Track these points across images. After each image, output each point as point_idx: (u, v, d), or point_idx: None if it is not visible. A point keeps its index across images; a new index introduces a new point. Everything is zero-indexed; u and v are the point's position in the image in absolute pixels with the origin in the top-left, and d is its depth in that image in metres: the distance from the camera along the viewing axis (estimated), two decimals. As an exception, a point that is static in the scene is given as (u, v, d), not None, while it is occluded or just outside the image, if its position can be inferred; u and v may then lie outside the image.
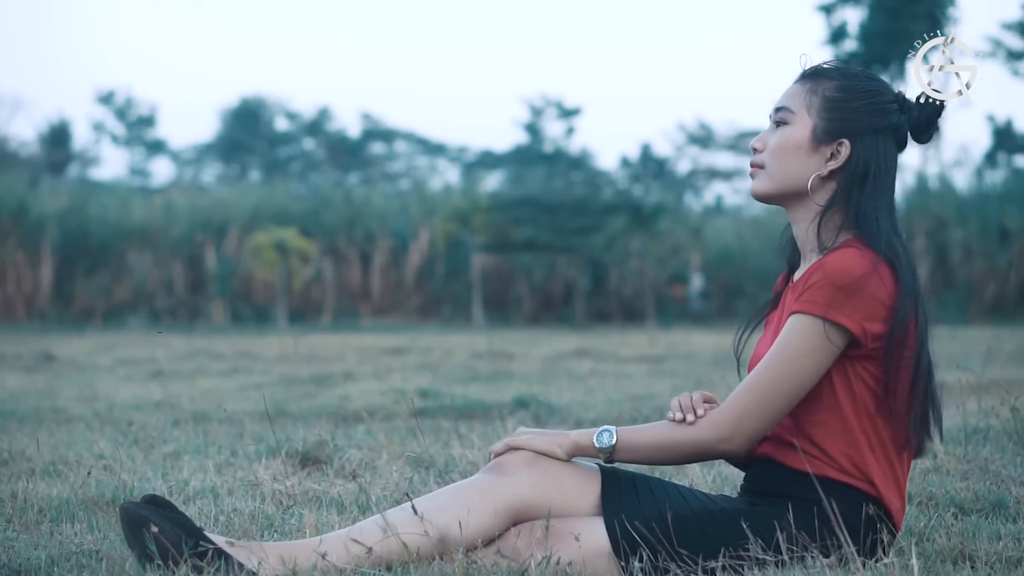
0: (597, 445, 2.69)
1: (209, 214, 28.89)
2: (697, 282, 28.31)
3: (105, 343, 15.99)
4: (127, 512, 2.63)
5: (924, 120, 2.71)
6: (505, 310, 28.55)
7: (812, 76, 2.73)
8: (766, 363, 2.63)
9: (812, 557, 2.58)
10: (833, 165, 2.68)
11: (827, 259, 2.61)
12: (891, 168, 2.69)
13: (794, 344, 2.60)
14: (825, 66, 2.74)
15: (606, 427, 2.70)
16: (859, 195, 2.66)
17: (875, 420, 2.63)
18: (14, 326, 24.60)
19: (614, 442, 2.68)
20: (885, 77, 31.62)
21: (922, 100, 2.71)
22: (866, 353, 2.61)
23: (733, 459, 2.75)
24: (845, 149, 2.67)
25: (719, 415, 2.64)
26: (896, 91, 2.73)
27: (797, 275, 2.77)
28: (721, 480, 3.83)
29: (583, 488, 2.72)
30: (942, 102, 2.71)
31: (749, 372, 2.78)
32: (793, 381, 2.60)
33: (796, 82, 2.75)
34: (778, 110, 2.73)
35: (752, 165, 2.76)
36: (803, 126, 2.69)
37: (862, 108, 2.68)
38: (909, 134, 2.72)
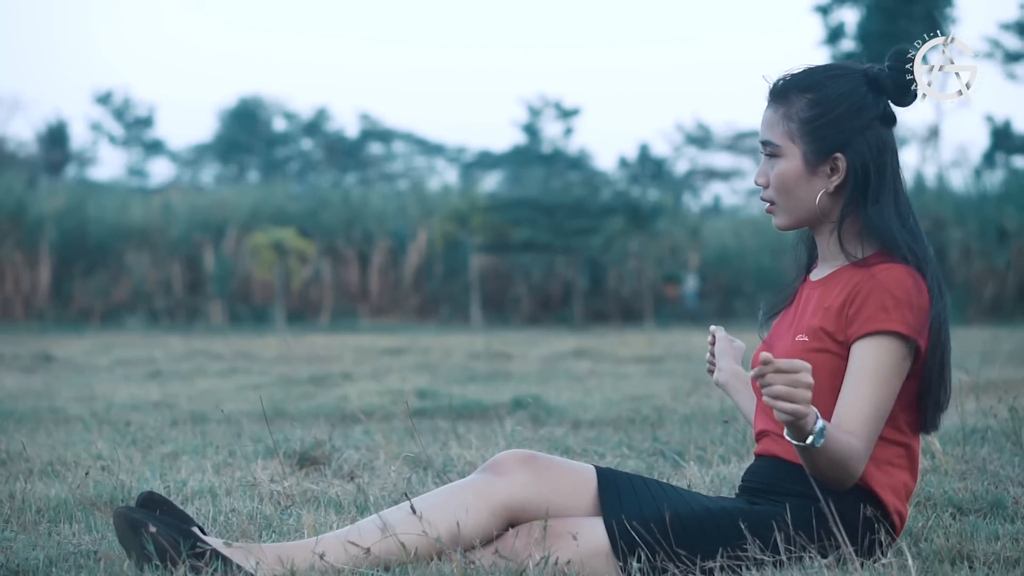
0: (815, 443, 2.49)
1: (207, 214, 28.89)
2: (692, 282, 28.31)
3: (103, 343, 15.98)
4: (122, 516, 2.62)
5: (901, 86, 2.69)
6: (503, 310, 28.55)
7: (780, 98, 2.71)
8: (870, 387, 2.56)
9: (810, 557, 2.58)
10: (837, 180, 2.68)
11: (880, 275, 2.60)
12: (888, 156, 2.68)
13: (890, 364, 2.58)
14: (787, 81, 2.71)
15: (825, 424, 2.50)
16: (865, 202, 2.66)
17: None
18: (12, 326, 24.59)
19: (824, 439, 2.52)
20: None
21: (888, 70, 2.69)
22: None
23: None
24: (842, 162, 2.67)
25: (853, 434, 2.54)
26: (862, 70, 2.70)
27: (816, 275, 2.78)
28: (719, 480, 3.83)
29: (579, 488, 2.72)
30: (909, 58, 2.68)
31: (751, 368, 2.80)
32: (892, 401, 2.61)
33: (767, 108, 2.73)
34: (764, 144, 2.73)
35: (765, 200, 2.76)
36: (793, 156, 2.69)
37: (840, 117, 2.66)
38: (893, 106, 2.71)
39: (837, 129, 2.66)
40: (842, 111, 2.66)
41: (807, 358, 2.63)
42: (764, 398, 2.40)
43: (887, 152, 2.68)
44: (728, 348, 3.10)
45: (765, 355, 2.39)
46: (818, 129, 2.66)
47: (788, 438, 2.48)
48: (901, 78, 2.68)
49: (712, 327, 3.13)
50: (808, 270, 2.84)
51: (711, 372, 3.13)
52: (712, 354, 3.13)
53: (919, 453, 2.72)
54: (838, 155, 2.67)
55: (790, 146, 2.69)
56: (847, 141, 2.66)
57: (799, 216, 2.73)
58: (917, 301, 2.59)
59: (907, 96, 2.69)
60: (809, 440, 2.46)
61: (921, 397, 2.66)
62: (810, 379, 2.39)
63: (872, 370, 2.57)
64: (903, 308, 2.58)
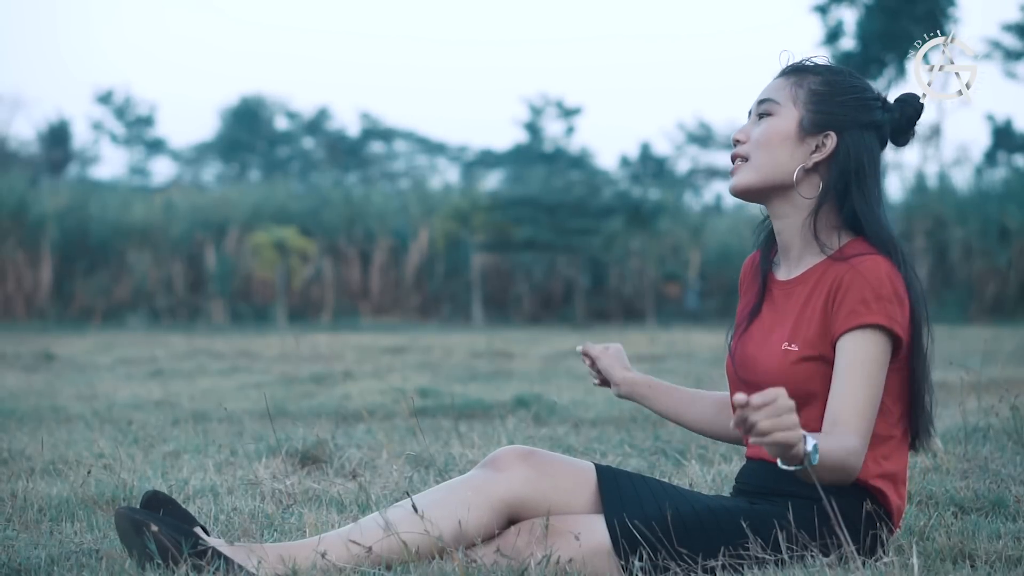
0: (811, 463, 2.41)
1: (209, 213, 28.88)
2: (693, 281, 28.31)
3: (105, 342, 15.97)
4: (124, 516, 2.63)
5: (904, 122, 2.73)
6: (505, 309, 28.54)
7: (796, 71, 2.74)
8: (859, 380, 2.56)
9: (812, 556, 2.58)
10: (818, 157, 2.69)
11: (860, 267, 2.60)
12: (878, 164, 2.71)
13: (875, 357, 2.57)
14: (808, 62, 2.75)
15: (816, 441, 2.42)
16: (854, 192, 2.66)
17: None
18: (14, 325, 24.60)
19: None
20: (883, 78, 31.69)
21: (899, 105, 2.72)
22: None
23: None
24: (831, 141, 2.68)
25: (849, 430, 2.53)
26: (877, 91, 2.74)
27: (784, 274, 2.77)
28: (721, 480, 3.84)
29: (578, 484, 2.73)
30: (921, 106, 2.72)
31: (732, 375, 2.79)
32: (879, 394, 2.59)
33: (779, 77, 2.75)
34: (762, 102, 2.73)
35: (734, 156, 2.75)
36: (789, 117, 2.69)
37: (848, 102, 2.68)
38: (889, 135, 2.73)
39: (841, 110, 2.68)
40: (851, 99, 2.69)
41: (798, 369, 2.63)
42: (752, 439, 2.31)
43: (876, 158, 2.70)
44: (609, 358, 3.05)
45: (739, 397, 2.28)
46: (823, 102, 2.68)
47: (783, 467, 2.41)
48: (906, 120, 2.72)
49: (579, 346, 3.07)
50: (765, 252, 2.84)
51: (601, 385, 3.09)
52: (595, 371, 3.07)
53: (908, 440, 2.72)
54: (831, 133, 2.68)
55: (789, 107, 2.70)
56: (845, 126, 2.68)
57: (767, 178, 2.71)
58: (898, 292, 2.60)
59: (903, 136, 2.74)
60: (804, 463, 2.40)
61: (909, 405, 2.67)
62: (790, 401, 2.32)
63: (860, 363, 2.57)
64: (884, 301, 2.58)
